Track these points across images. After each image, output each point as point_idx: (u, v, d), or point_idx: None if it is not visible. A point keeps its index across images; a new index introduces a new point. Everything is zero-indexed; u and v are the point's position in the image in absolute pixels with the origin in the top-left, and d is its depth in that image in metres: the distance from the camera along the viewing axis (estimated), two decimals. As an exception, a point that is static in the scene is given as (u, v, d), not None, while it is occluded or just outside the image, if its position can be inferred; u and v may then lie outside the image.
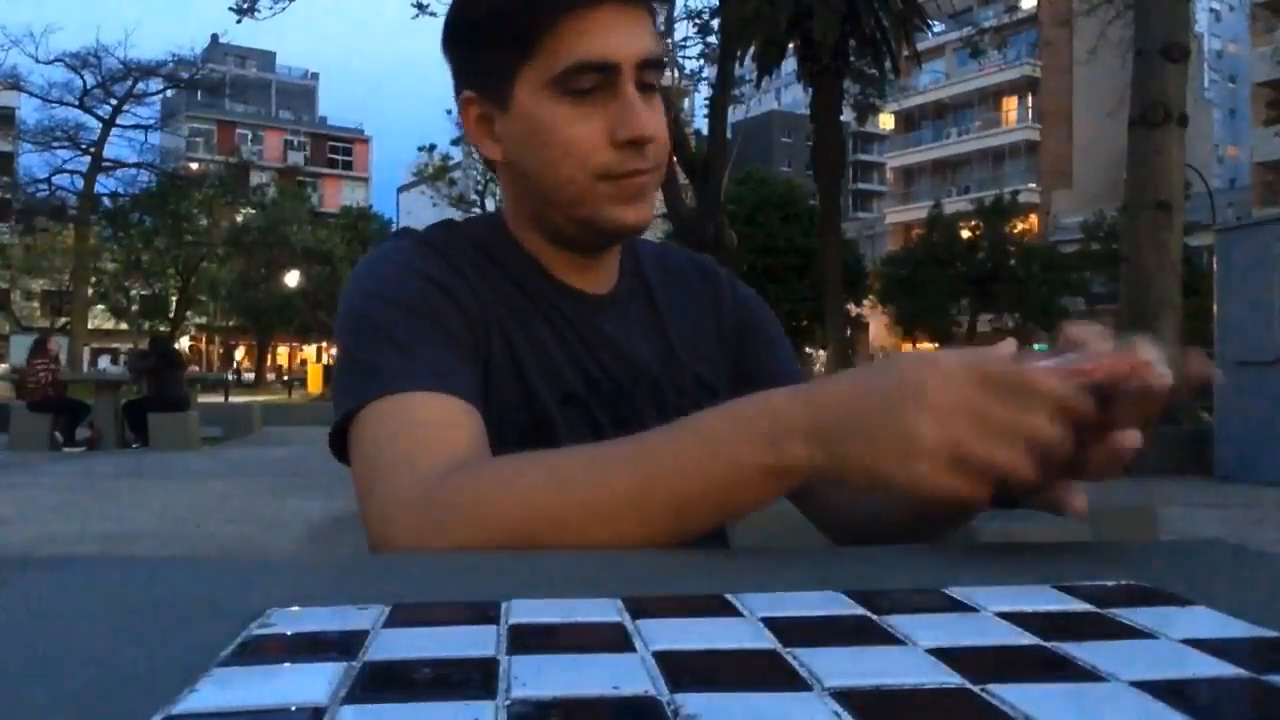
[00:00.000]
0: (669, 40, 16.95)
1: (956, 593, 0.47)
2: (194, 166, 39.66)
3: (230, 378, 28.34)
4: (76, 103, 29.39)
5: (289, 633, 0.41)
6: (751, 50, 18.79)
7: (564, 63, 0.80)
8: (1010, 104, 48.11)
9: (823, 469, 0.57)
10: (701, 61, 17.63)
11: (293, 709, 0.31)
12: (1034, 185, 43.72)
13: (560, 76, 0.80)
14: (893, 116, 48.69)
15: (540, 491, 0.63)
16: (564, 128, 0.81)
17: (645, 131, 0.80)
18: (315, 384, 32.33)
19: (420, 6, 14.04)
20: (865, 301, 34.77)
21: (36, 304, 35.12)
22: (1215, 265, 8.84)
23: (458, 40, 0.87)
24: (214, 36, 48.16)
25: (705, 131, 15.27)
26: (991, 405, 0.54)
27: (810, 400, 0.59)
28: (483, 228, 0.94)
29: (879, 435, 0.55)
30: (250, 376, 38.69)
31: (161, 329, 28.46)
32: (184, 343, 35.87)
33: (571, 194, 0.84)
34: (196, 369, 20.90)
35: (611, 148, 0.81)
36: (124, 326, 34.77)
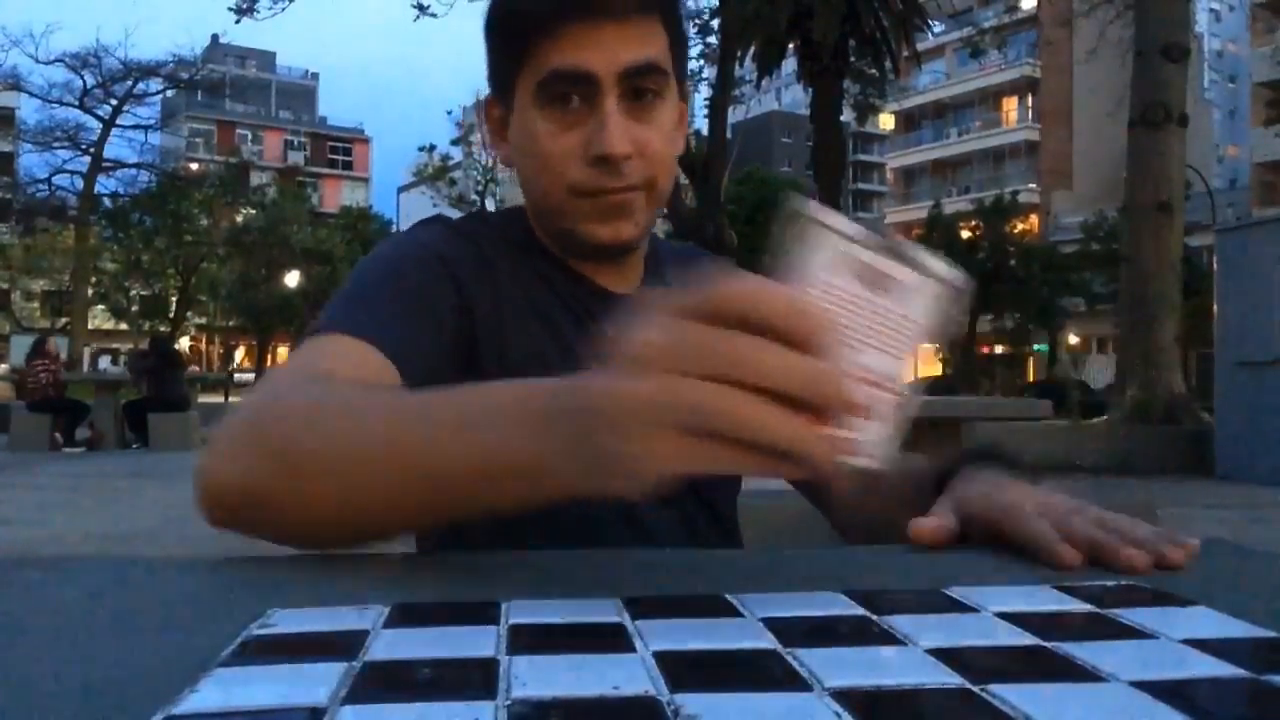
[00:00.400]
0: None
1: (956, 593, 0.47)
2: (194, 167, 39.66)
3: (222, 375, 28.31)
4: (76, 103, 29.38)
5: (289, 633, 0.41)
6: (751, 50, 18.77)
7: (541, 73, 0.79)
8: (1010, 104, 48.10)
9: (579, 479, 0.48)
10: (701, 62, 17.63)
11: (293, 709, 0.31)
12: (1034, 185, 43.71)
13: (541, 86, 0.80)
14: (893, 117, 48.66)
15: (321, 418, 0.59)
16: (543, 140, 0.81)
17: (614, 150, 0.78)
18: (315, 384, 32.17)
19: (421, 8, 14.05)
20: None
21: (36, 304, 35.12)
22: (1215, 265, 8.85)
23: (486, 42, 0.88)
24: (214, 37, 48.16)
25: (705, 132, 15.27)
26: (696, 347, 0.42)
27: (558, 389, 0.49)
28: (510, 222, 0.94)
29: (603, 407, 0.45)
30: (249, 378, 38.70)
31: (161, 329, 28.45)
32: (184, 343, 35.87)
33: (549, 206, 0.85)
34: (196, 369, 20.92)
35: (584, 163, 0.80)
36: (124, 327, 34.74)
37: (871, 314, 0.44)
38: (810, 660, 0.36)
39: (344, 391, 0.62)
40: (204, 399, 16.73)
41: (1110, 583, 0.51)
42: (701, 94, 18.59)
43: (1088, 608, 0.45)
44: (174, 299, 33.61)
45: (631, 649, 0.38)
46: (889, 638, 0.40)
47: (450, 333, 0.82)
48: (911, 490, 0.76)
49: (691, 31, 16.32)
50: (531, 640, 0.39)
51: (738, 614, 0.43)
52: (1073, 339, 36.55)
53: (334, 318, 0.77)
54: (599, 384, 0.45)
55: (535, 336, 0.86)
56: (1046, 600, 0.46)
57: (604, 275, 0.91)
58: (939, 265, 0.44)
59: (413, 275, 0.82)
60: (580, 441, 0.46)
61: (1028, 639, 0.40)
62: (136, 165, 31.40)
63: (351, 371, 0.70)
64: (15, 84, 28.98)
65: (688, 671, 0.35)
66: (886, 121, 49.45)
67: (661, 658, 0.36)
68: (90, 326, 32.37)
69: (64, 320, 30.44)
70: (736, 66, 17.40)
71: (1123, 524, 0.59)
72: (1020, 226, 33.69)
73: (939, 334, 0.45)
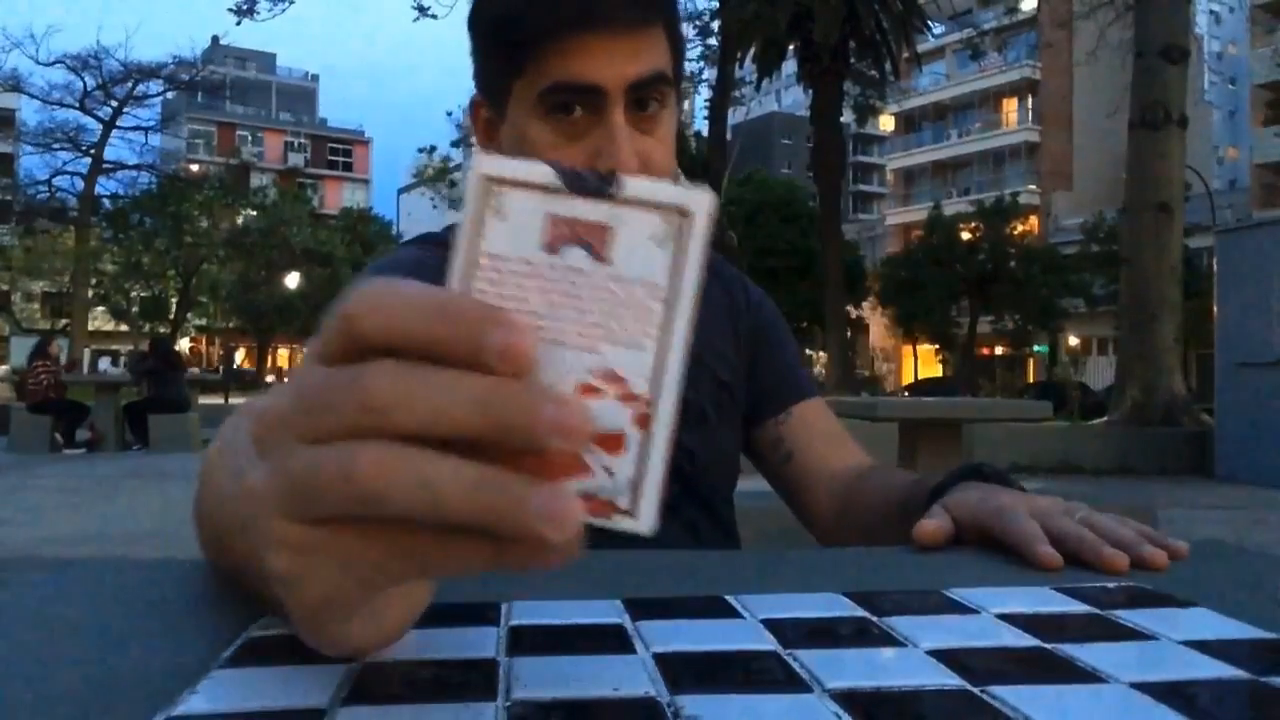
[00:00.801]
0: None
1: (957, 594, 0.47)
2: (194, 168, 39.69)
3: (219, 374, 28.28)
4: (77, 104, 29.42)
5: (289, 634, 0.40)
6: (751, 52, 18.79)
7: (545, 82, 0.78)
8: (1010, 106, 48.10)
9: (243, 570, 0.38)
10: (702, 63, 17.64)
11: (293, 711, 0.31)
12: (1034, 187, 43.71)
13: (543, 96, 0.78)
14: (893, 118, 48.64)
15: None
16: (545, 150, 0.79)
17: (624, 166, 0.77)
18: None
19: (421, 9, 14.07)
20: (865, 303, 34.76)
21: (37, 306, 35.14)
22: (1215, 266, 8.85)
23: (471, 41, 0.87)
24: (214, 38, 48.20)
25: (705, 133, 15.27)
26: (311, 405, 0.28)
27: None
28: None
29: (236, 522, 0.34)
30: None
31: (162, 330, 28.47)
32: (184, 344, 35.88)
33: None
34: (196, 370, 20.91)
35: None
36: (124, 328, 34.77)
37: (588, 287, 0.29)
38: (810, 661, 0.36)
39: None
40: (204, 400, 16.73)
41: (1111, 584, 0.51)
42: (701, 95, 18.62)
43: (1088, 609, 0.45)
44: (174, 300, 33.62)
45: (632, 650, 0.38)
46: (889, 639, 0.40)
47: None
48: (897, 510, 0.75)
49: (691, 33, 16.35)
50: (532, 641, 0.39)
51: (738, 615, 0.43)
52: (1073, 340, 36.54)
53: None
54: (240, 476, 0.33)
55: None
56: (1046, 601, 0.46)
57: None
58: (665, 189, 0.30)
59: None
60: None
61: (1028, 640, 0.40)
62: (137, 167, 31.45)
63: None
64: (16, 85, 29.00)
65: (688, 672, 0.35)
66: (886, 123, 49.45)
67: (662, 659, 0.36)
68: (90, 328, 32.37)
69: (64, 322, 30.45)
70: (736, 68, 17.42)
71: (1109, 525, 0.60)
72: (1020, 228, 33.67)
73: (693, 287, 0.29)
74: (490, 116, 0.87)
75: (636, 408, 0.29)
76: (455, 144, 30.05)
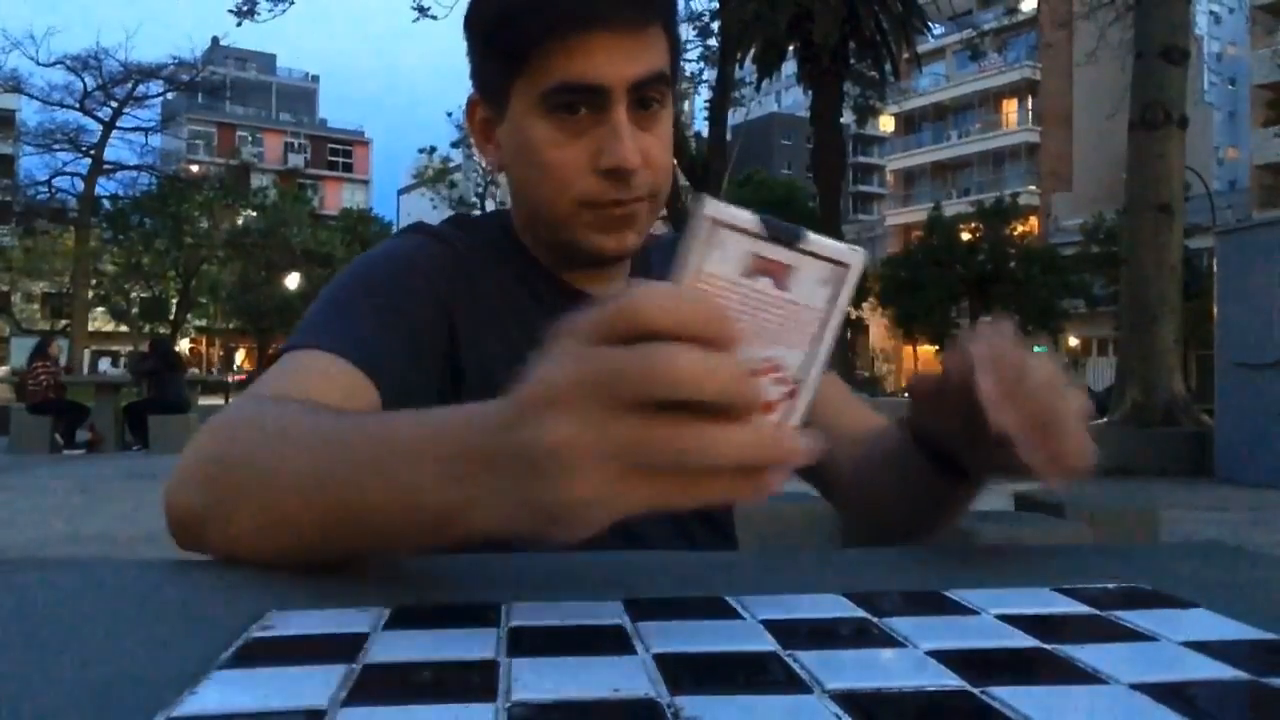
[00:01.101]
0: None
1: (956, 595, 0.47)
2: (194, 169, 39.68)
3: (220, 375, 28.27)
4: (77, 105, 29.39)
5: (289, 635, 0.40)
6: (751, 53, 18.81)
7: (549, 82, 0.77)
8: (1010, 106, 48.12)
9: (513, 525, 0.44)
10: (702, 64, 17.65)
11: (293, 712, 0.31)
12: (1034, 187, 43.73)
13: (546, 95, 0.78)
14: (893, 119, 48.68)
15: (253, 447, 0.58)
16: (548, 149, 0.79)
17: (628, 162, 0.77)
18: (315, 386, 32.18)
19: (421, 9, 14.07)
20: (865, 304, 34.77)
21: (37, 306, 35.14)
22: (1215, 267, 8.85)
23: (468, 41, 0.86)
24: (214, 39, 48.15)
25: (705, 134, 15.28)
26: (612, 374, 0.39)
27: (477, 426, 0.46)
28: (492, 227, 0.94)
29: (530, 455, 0.41)
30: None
31: (162, 331, 28.47)
32: (184, 345, 35.88)
33: (552, 216, 0.83)
34: (196, 370, 20.93)
35: (594, 175, 0.79)
36: (124, 329, 34.77)
37: (770, 307, 0.42)
38: (810, 662, 0.36)
39: (286, 419, 0.59)
40: (204, 401, 16.73)
41: (1110, 585, 0.51)
42: (701, 96, 18.64)
43: (1087, 609, 0.45)
44: (174, 301, 33.62)
45: (632, 651, 0.38)
46: (889, 639, 0.40)
47: (428, 343, 0.82)
48: (895, 445, 0.77)
49: (691, 33, 16.36)
50: (532, 643, 0.39)
51: (738, 616, 0.43)
52: (1073, 341, 36.54)
53: (307, 332, 0.78)
54: (522, 432, 0.41)
55: (514, 342, 0.86)
56: (1046, 602, 0.46)
57: (586, 279, 0.90)
58: (834, 246, 0.42)
59: (387, 287, 0.82)
60: (508, 489, 0.42)
61: (1027, 641, 0.40)
62: (137, 167, 31.43)
63: (319, 388, 0.69)
64: (16, 86, 28.99)
65: (688, 673, 0.35)
66: (886, 124, 49.49)
67: (662, 660, 0.36)
68: (90, 328, 32.37)
69: (64, 322, 30.45)
70: (736, 69, 17.42)
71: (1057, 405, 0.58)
72: (1020, 228, 33.67)
73: (840, 316, 0.42)
74: (488, 116, 0.86)
75: (787, 387, 0.42)
76: (455, 144, 30.07)
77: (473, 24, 0.84)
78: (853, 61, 19.28)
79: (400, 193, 55.87)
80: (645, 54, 0.79)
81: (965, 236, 32.27)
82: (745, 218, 0.41)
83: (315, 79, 60.33)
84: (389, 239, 0.92)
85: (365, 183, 57.96)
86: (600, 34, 0.76)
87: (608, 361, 0.39)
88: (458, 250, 0.88)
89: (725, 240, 0.41)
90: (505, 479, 0.43)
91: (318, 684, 0.33)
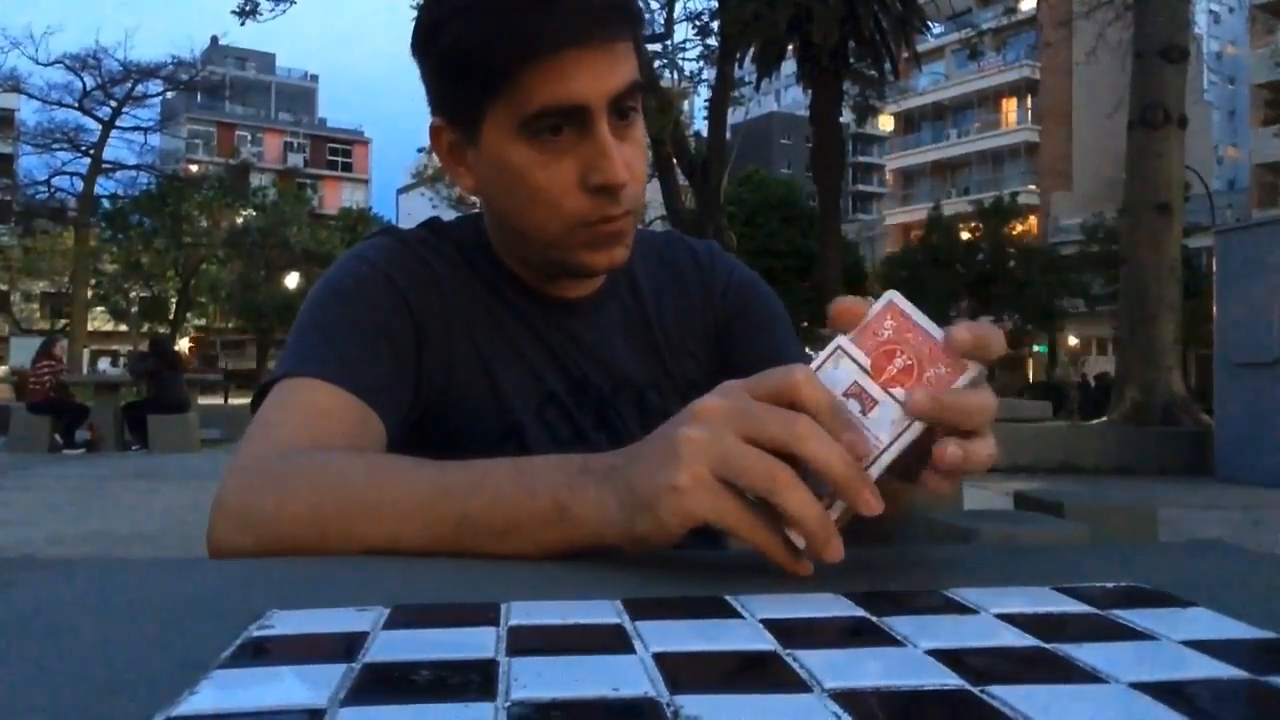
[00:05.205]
0: (669, 42, 16.96)
1: (956, 594, 0.47)
2: (194, 168, 39.69)
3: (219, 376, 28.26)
4: (76, 105, 29.37)
5: (288, 634, 0.40)
6: (751, 52, 18.79)
7: (530, 108, 0.76)
8: (1010, 105, 48.10)
9: (608, 519, 0.55)
10: (701, 63, 17.65)
11: (292, 711, 0.31)
12: (1033, 187, 43.72)
13: (527, 121, 0.76)
14: (892, 118, 48.61)
15: (343, 478, 0.64)
16: (534, 173, 0.78)
17: (618, 179, 0.77)
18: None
19: (421, 9, 14.06)
20: (865, 303, 34.71)
21: (36, 306, 35.13)
22: (1214, 266, 8.86)
23: (426, 62, 0.82)
24: (214, 38, 48.15)
25: (705, 133, 15.27)
26: (756, 414, 0.50)
27: (618, 452, 0.57)
28: (465, 231, 0.94)
29: (648, 452, 0.54)
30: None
31: (161, 331, 28.46)
32: (183, 344, 35.86)
33: (544, 238, 0.82)
34: (195, 371, 20.92)
35: (583, 193, 0.78)
36: (124, 328, 34.76)
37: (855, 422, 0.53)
38: (810, 661, 0.36)
39: (375, 479, 0.63)
40: (203, 401, 16.73)
41: (1110, 584, 0.51)
42: (701, 95, 18.62)
43: (1087, 609, 0.45)
44: (173, 301, 33.62)
45: (631, 650, 0.38)
46: (888, 639, 0.40)
47: (409, 359, 0.83)
48: None
49: (690, 33, 16.37)
50: (531, 641, 0.39)
51: (737, 615, 0.43)
52: (1072, 340, 36.55)
53: (300, 359, 0.79)
54: (666, 429, 0.53)
55: (481, 344, 0.86)
56: (1046, 601, 0.46)
57: (555, 285, 0.91)
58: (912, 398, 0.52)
59: (368, 306, 0.83)
60: (619, 477, 0.54)
61: (1027, 640, 0.40)
62: (136, 167, 31.42)
63: (342, 429, 0.74)
64: (15, 86, 28.97)
65: (687, 672, 0.35)
66: (886, 123, 49.43)
67: (661, 659, 0.36)
68: (90, 328, 32.36)
69: (63, 322, 30.44)
70: (736, 68, 17.41)
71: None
72: (1020, 228, 33.69)
73: (891, 455, 0.51)
74: (456, 139, 0.84)
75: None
76: (455, 144, 29.93)
77: (429, 50, 0.81)
78: (852, 61, 19.26)
79: (399, 192, 55.88)
80: (620, 66, 0.78)
81: (965, 236, 32.28)
82: (858, 354, 0.53)
83: (315, 78, 60.29)
84: (357, 245, 0.91)
85: (365, 182, 57.92)
86: (574, 52, 0.75)
87: (759, 406, 0.51)
88: (425, 257, 0.88)
89: (842, 365, 0.53)
90: (619, 473, 0.54)
91: (317, 683, 0.33)
